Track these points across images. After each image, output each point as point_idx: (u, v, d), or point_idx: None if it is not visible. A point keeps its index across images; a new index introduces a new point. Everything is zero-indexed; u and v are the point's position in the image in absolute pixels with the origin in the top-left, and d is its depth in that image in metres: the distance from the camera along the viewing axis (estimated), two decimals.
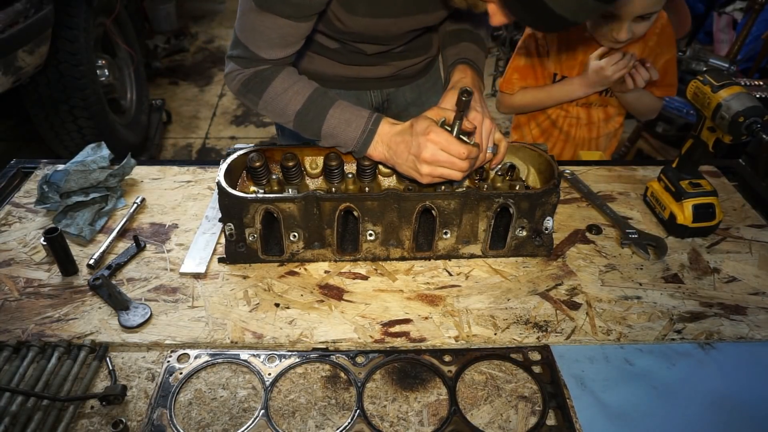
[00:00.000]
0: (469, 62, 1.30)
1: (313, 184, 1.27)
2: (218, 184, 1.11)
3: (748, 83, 2.81)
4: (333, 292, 1.13)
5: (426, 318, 1.08)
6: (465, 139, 1.10)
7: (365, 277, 1.17)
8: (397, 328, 1.06)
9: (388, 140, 1.14)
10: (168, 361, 0.98)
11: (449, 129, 1.10)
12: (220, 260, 1.19)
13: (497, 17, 1.00)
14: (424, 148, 1.08)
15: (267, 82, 1.20)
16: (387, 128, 1.15)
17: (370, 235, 1.16)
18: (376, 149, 1.16)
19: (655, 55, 1.70)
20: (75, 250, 1.20)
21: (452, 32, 1.39)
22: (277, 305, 1.09)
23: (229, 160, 1.19)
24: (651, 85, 1.71)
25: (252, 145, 1.24)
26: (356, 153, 1.18)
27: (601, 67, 1.61)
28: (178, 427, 0.88)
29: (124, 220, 1.29)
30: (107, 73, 3.32)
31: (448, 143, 1.07)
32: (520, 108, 1.86)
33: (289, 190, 1.22)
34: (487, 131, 1.18)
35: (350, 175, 1.23)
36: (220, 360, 0.99)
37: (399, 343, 1.03)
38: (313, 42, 1.41)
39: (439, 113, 1.14)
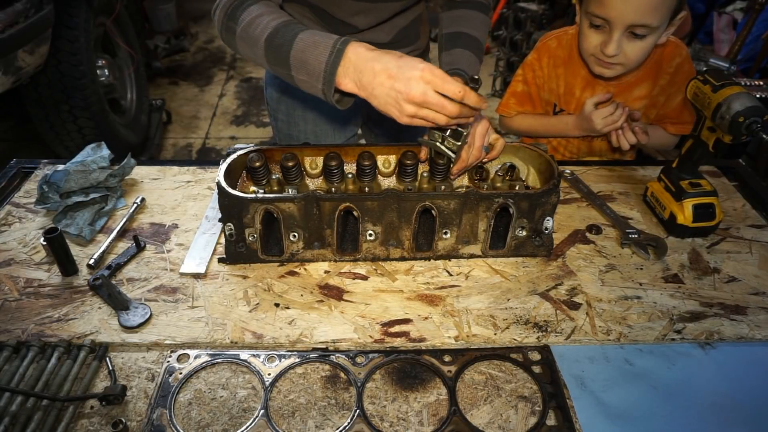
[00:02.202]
0: (460, 73, 1.28)
1: (313, 184, 1.27)
2: (218, 184, 1.11)
3: (748, 83, 2.81)
4: (333, 292, 1.13)
5: (426, 318, 1.08)
6: (460, 129, 1.10)
7: (365, 277, 1.17)
8: (396, 328, 1.05)
9: (362, 66, 0.99)
10: (168, 361, 0.98)
11: None
12: (220, 260, 1.19)
13: None
14: (414, 85, 0.96)
15: (246, 6, 1.14)
16: (361, 51, 1.00)
17: (370, 235, 1.16)
18: (346, 76, 1.01)
19: (667, 95, 1.61)
20: (75, 250, 1.20)
21: (447, 36, 1.39)
22: (276, 305, 1.09)
23: (229, 160, 1.19)
24: (665, 121, 1.65)
25: (252, 145, 1.24)
26: (326, 85, 1.03)
27: (591, 117, 1.54)
28: (178, 427, 0.88)
29: (124, 220, 1.29)
30: (107, 73, 3.32)
31: (443, 82, 0.96)
32: (519, 132, 1.83)
33: (289, 190, 1.22)
34: (483, 130, 1.18)
35: (350, 175, 1.23)
36: (219, 360, 0.99)
37: (399, 343, 1.03)
38: None
39: None
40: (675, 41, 1.58)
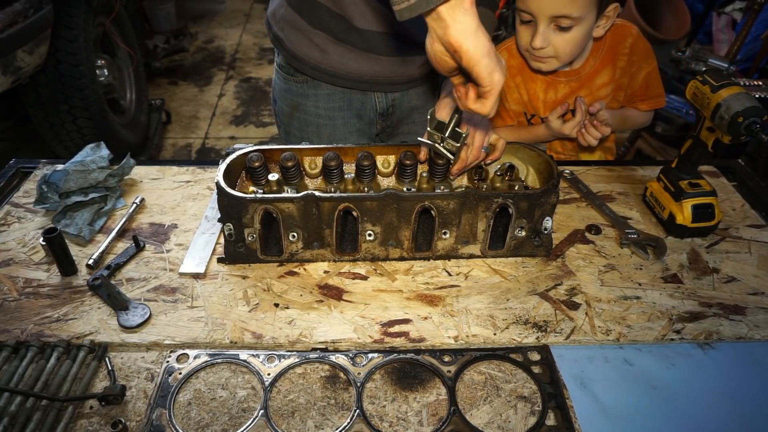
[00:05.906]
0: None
1: (312, 184, 1.27)
2: (217, 184, 1.11)
3: (747, 83, 2.81)
4: (332, 292, 1.13)
5: (425, 318, 1.08)
6: (459, 130, 1.10)
7: (365, 277, 1.17)
8: (396, 328, 1.05)
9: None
10: (167, 362, 0.98)
11: (445, 123, 1.11)
12: (220, 260, 1.19)
13: None
14: (499, 76, 0.95)
15: None
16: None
17: (370, 235, 1.16)
18: None
19: (630, 75, 1.63)
20: (74, 250, 1.20)
21: None
22: (276, 305, 1.09)
23: (228, 160, 1.19)
24: (635, 100, 1.66)
25: (251, 145, 1.24)
26: None
27: (562, 131, 1.56)
28: (178, 428, 0.88)
29: (124, 220, 1.29)
30: (107, 73, 3.32)
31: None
32: None
33: (288, 190, 1.22)
34: (483, 130, 1.18)
35: (349, 176, 1.23)
36: (219, 360, 0.99)
37: (398, 343, 1.03)
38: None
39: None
40: (621, 23, 1.60)
